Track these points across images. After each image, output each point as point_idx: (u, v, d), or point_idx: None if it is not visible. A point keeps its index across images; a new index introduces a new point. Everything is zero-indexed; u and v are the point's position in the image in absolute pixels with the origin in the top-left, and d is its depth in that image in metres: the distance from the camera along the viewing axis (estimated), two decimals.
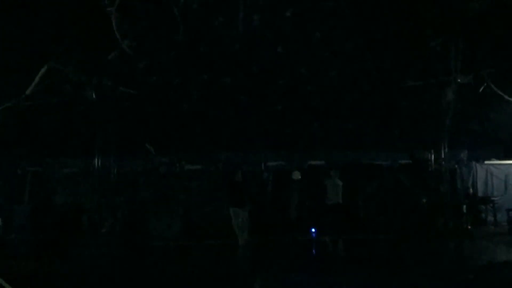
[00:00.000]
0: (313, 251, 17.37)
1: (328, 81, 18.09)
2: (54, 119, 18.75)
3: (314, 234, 19.17)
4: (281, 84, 18.32)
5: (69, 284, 12.17)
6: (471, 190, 21.91)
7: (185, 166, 21.17)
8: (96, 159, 19.36)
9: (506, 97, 16.63)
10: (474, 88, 16.50)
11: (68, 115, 18.62)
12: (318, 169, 21.37)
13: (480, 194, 21.95)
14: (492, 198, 21.47)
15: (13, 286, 10.76)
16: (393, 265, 13.54)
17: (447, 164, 19.65)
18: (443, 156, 19.26)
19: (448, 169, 19.75)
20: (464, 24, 15.35)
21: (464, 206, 20.32)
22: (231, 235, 17.29)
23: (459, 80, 16.21)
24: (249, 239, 17.27)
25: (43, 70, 14.84)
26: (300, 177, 21.05)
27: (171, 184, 20.93)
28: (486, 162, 22.41)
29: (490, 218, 21.22)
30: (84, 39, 15.11)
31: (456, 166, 21.92)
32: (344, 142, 20.57)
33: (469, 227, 19.65)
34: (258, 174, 21.74)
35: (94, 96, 16.22)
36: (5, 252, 16.80)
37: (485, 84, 16.25)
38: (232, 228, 17.21)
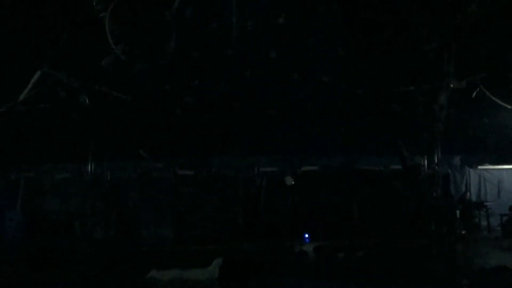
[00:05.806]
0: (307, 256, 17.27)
1: (321, 86, 18.13)
2: (47, 124, 18.71)
3: (307, 240, 19.13)
4: (274, 90, 18.34)
5: None
6: (464, 195, 21.95)
7: (178, 171, 21.17)
8: (89, 165, 19.29)
9: (499, 102, 16.67)
10: (467, 93, 16.52)
11: (61, 120, 18.59)
12: (312, 174, 21.43)
13: (473, 199, 22.01)
14: (485, 203, 21.53)
15: None
16: (386, 271, 13.52)
17: (440, 169, 19.66)
18: (436, 161, 19.25)
19: (441, 174, 19.77)
20: (457, 29, 15.39)
21: (458, 211, 20.36)
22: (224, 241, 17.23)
23: (452, 85, 16.21)
24: None
25: (36, 76, 14.81)
26: (293, 182, 21.03)
27: (164, 189, 20.88)
28: (479, 167, 22.47)
29: (484, 223, 21.29)
30: (77, 45, 15.11)
31: (449, 171, 21.96)
32: (337, 147, 20.59)
33: (463, 232, 19.68)
34: (251, 180, 21.74)
35: (87, 101, 16.18)
36: None
37: (478, 89, 16.28)
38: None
